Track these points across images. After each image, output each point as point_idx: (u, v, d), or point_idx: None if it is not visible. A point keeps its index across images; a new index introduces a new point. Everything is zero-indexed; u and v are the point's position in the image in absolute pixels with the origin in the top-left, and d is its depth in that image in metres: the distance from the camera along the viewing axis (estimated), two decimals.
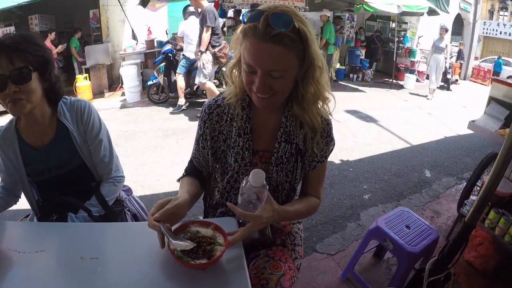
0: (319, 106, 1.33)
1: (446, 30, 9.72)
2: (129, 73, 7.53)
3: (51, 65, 1.51)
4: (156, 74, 7.18)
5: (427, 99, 9.64)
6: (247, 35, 1.13)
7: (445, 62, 10.07)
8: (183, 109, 6.95)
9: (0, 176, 1.71)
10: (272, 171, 1.37)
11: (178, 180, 1.52)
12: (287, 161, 1.36)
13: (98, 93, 8.43)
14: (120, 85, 8.40)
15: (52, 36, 8.61)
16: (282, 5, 1.16)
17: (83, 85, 7.83)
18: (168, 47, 7.22)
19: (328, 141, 1.40)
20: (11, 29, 8.06)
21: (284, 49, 1.10)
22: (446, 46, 9.79)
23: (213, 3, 9.96)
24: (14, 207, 1.75)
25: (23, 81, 1.39)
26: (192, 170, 1.53)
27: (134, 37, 9.12)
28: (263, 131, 1.38)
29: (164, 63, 7.07)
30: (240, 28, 1.17)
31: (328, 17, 10.17)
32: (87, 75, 8.16)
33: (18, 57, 1.36)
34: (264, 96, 1.19)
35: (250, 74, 1.17)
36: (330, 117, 1.39)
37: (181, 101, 6.95)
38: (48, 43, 8.54)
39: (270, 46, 1.09)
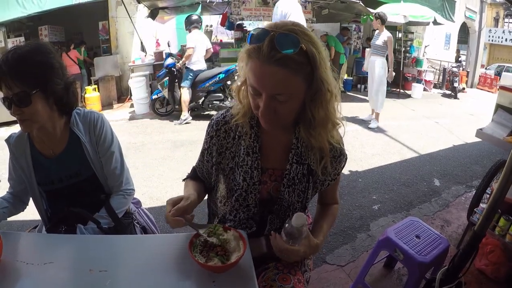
0: (328, 131, 1.25)
1: (383, 20, 6.62)
2: (138, 85, 7.59)
3: (53, 81, 1.46)
4: (160, 88, 7.16)
5: (369, 127, 6.89)
6: (251, 56, 1.08)
7: (387, 68, 6.84)
8: (187, 123, 6.94)
9: (10, 183, 1.72)
10: (284, 192, 1.34)
11: (183, 180, 1.57)
12: (299, 182, 1.34)
13: (106, 105, 8.53)
14: (128, 96, 8.50)
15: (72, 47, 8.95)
16: (291, 23, 1.10)
17: (92, 96, 7.94)
18: (170, 61, 7.11)
19: (340, 159, 1.37)
20: (21, 39, 8.23)
21: (289, 72, 1.05)
22: (385, 43, 6.59)
23: (221, 15, 10.12)
24: (22, 218, 1.76)
25: (23, 105, 1.40)
26: (196, 176, 1.56)
27: (143, 49, 9.23)
28: (272, 149, 1.35)
29: (167, 77, 7.00)
30: (245, 48, 1.12)
31: (326, 33, 10.24)
32: (96, 86, 8.25)
33: (14, 83, 1.36)
34: (269, 119, 1.16)
35: (255, 96, 1.14)
36: (340, 145, 1.34)
37: (184, 115, 6.92)
38: (75, 52, 8.91)
39: (274, 68, 1.04)
